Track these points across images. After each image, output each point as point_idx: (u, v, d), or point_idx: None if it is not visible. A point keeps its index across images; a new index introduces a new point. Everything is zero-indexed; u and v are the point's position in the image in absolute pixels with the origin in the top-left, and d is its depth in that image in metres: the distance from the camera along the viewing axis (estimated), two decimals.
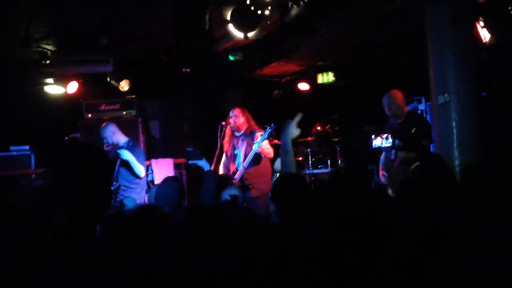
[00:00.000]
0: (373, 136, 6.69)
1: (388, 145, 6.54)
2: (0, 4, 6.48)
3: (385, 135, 6.49)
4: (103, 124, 7.74)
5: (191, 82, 10.09)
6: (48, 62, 8.57)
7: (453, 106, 6.12)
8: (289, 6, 5.75)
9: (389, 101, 6.64)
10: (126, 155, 7.29)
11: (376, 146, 6.71)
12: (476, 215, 3.37)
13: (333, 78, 10.12)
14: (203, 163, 5.59)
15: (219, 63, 9.12)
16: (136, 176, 7.45)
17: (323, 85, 10.20)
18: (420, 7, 6.28)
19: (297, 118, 4.48)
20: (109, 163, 2.39)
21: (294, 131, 4.46)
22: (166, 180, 5.35)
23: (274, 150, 7.58)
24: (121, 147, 7.46)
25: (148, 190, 8.35)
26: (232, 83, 10.73)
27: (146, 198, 7.45)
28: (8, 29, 7.42)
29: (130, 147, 7.50)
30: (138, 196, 7.39)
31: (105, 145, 7.54)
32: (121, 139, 7.59)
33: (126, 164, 7.37)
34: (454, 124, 6.12)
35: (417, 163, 4.61)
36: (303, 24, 5.92)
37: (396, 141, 6.37)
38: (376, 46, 8.45)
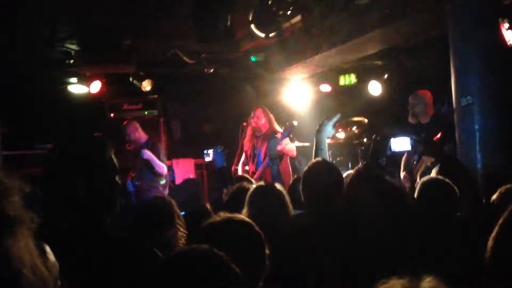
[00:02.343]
0: (391, 140, 6.65)
1: (407, 149, 6.49)
2: (25, 3, 6.54)
3: (402, 139, 6.44)
4: (126, 121, 7.86)
5: (213, 82, 10.12)
6: (72, 61, 8.65)
7: (476, 108, 6.07)
8: (311, 6, 5.74)
9: (414, 100, 6.59)
10: (147, 154, 7.37)
11: (394, 150, 6.67)
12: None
13: (355, 80, 10.08)
14: (217, 157, 5.57)
15: (241, 63, 9.14)
16: (158, 174, 7.51)
17: (345, 87, 10.17)
18: (443, 9, 6.23)
19: (335, 118, 4.50)
20: (112, 164, 2.33)
21: (330, 130, 4.49)
22: (185, 181, 5.39)
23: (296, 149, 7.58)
24: (142, 145, 7.55)
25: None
26: (254, 83, 10.74)
27: None
28: (33, 28, 7.49)
29: (150, 145, 7.59)
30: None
31: (127, 144, 7.64)
32: (142, 137, 7.70)
33: (148, 164, 7.44)
34: (476, 127, 6.06)
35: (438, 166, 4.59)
36: (324, 25, 5.90)
37: (417, 146, 6.36)
38: (399, 49, 8.39)
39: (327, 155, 4.52)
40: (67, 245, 1.92)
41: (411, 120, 6.70)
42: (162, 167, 7.55)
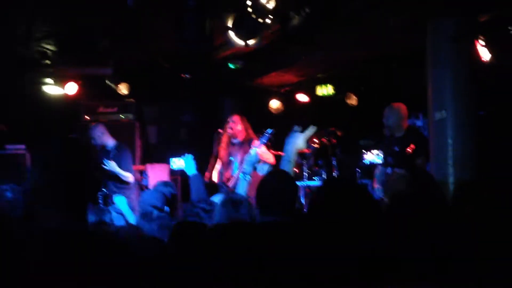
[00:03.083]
0: (364, 151, 6.69)
1: (380, 161, 6.52)
2: (2, 1, 6.47)
3: (376, 151, 6.49)
4: (93, 124, 7.82)
5: (190, 88, 10.10)
6: (48, 62, 8.56)
7: (450, 123, 6.15)
8: (291, 15, 5.75)
9: (389, 113, 6.63)
10: (110, 165, 7.37)
11: (368, 162, 6.71)
12: (466, 234, 3.38)
13: (333, 91, 10.14)
14: (187, 164, 5.51)
15: (218, 70, 9.13)
16: (125, 182, 7.48)
17: (322, 97, 10.22)
18: (421, 23, 6.31)
19: (308, 132, 4.41)
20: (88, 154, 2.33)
21: (301, 143, 4.40)
22: (156, 184, 5.33)
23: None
24: (108, 150, 7.51)
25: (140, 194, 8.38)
26: (231, 91, 10.74)
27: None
28: (9, 26, 7.41)
29: (117, 151, 7.56)
30: (128, 199, 7.42)
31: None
32: (109, 141, 7.65)
33: (112, 173, 7.42)
34: (450, 141, 6.14)
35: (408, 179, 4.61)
36: (304, 35, 5.91)
37: (389, 158, 6.41)
38: (377, 61, 8.46)
39: (293, 168, 4.46)
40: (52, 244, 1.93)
41: (385, 132, 6.74)
42: (126, 176, 7.52)
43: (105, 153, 7.55)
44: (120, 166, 7.47)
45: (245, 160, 7.32)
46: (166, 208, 4.69)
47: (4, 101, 9.27)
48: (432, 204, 3.95)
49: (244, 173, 7.19)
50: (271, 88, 10.57)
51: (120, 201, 5.56)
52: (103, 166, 7.30)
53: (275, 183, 3.61)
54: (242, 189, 6.81)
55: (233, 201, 3.79)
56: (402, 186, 4.51)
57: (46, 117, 9.65)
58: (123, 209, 5.48)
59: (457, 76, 6.16)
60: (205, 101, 10.96)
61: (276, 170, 3.96)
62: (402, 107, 6.67)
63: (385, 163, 6.52)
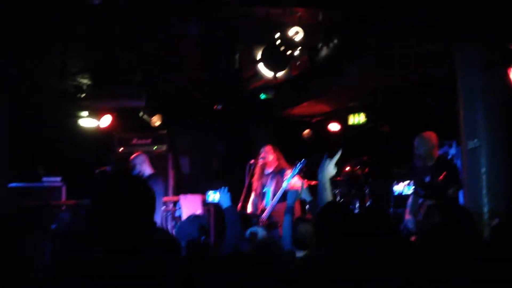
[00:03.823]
0: (395, 182, 6.61)
1: (410, 192, 6.44)
2: (38, 38, 6.64)
3: (407, 182, 6.41)
4: (136, 154, 7.92)
5: (222, 118, 10.17)
6: (83, 95, 8.72)
7: (483, 152, 6.05)
8: (319, 47, 5.79)
9: (419, 142, 6.55)
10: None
11: (398, 193, 6.63)
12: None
13: (365, 119, 10.10)
14: (222, 197, 5.54)
15: (250, 100, 9.18)
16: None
17: (353, 125, 10.19)
18: (450, 50, 6.26)
19: (336, 157, 4.45)
20: (151, 195, 2.32)
21: (331, 169, 4.43)
22: (189, 217, 5.36)
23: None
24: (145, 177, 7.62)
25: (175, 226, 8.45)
26: (263, 121, 10.78)
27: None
28: (45, 62, 7.60)
29: (150, 180, 7.65)
30: None
31: None
32: (147, 170, 7.74)
33: None
34: (483, 170, 6.04)
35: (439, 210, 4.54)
36: (333, 66, 5.94)
37: (419, 189, 6.32)
38: (407, 88, 8.42)
39: (330, 194, 4.47)
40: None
41: (416, 162, 6.66)
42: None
43: None
44: None
45: (288, 196, 7.32)
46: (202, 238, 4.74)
47: (41, 133, 9.47)
48: (465, 239, 3.90)
49: (288, 208, 7.19)
50: (303, 118, 10.59)
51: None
52: None
53: (333, 213, 3.66)
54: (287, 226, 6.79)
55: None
56: (433, 218, 4.44)
57: (81, 149, 9.80)
58: None
59: (489, 104, 6.07)
60: (237, 131, 11.01)
61: (333, 201, 4.04)
62: (432, 136, 6.58)
63: (416, 194, 6.43)
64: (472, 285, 3.13)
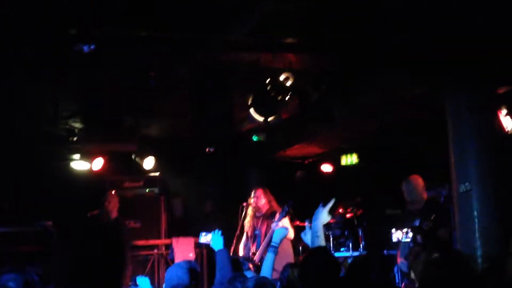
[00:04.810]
0: (393, 230, 6.59)
1: (408, 240, 6.43)
2: (30, 83, 6.67)
3: (405, 230, 6.40)
4: (109, 192, 8.05)
5: (215, 161, 10.16)
6: (75, 138, 8.72)
7: (475, 195, 6.03)
8: (309, 91, 5.82)
9: (409, 187, 6.59)
10: None
11: (397, 240, 6.60)
12: None
13: (357, 160, 10.10)
14: (215, 239, 5.47)
15: (242, 143, 9.20)
16: None
17: (346, 167, 10.18)
18: (439, 95, 6.30)
19: (329, 204, 4.45)
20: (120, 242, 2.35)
21: (325, 216, 4.42)
22: (179, 262, 5.31)
23: (295, 230, 7.48)
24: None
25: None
26: (255, 163, 10.78)
27: None
28: (37, 107, 7.62)
29: (115, 223, 7.79)
30: None
31: None
32: (113, 213, 7.88)
33: None
34: (475, 213, 6.00)
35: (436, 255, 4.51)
36: (322, 109, 5.96)
37: (418, 237, 6.30)
38: (398, 131, 8.45)
39: (323, 241, 4.44)
40: None
41: (408, 206, 6.68)
42: None
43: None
44: None
45: (274, 234, 7.28)
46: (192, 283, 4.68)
47: (33, 177, 9.43)
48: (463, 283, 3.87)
49: (272, 246, 7.14)
50: (296, 159, 10.59)
51: (143, 281, 5.53)
52: None
53: (319, 260, 3.65)
54: (268, 264, 6.71)
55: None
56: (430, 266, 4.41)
57: (73, 193, 9.74)
58: None
59: (479, 148, 6.07)
60: (229, 173, 10.99)
61: (318, 247, 4.03)
62: (419, 179, 6.64)
63: (414, 243, 6.41)
64: None
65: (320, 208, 4.49)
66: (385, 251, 7.92)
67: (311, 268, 3.70)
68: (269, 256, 5.13)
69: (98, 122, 8.38)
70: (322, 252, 3.98)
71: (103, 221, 7.88)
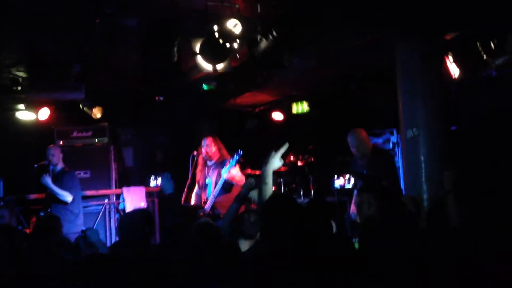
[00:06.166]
0: (335, 177, 6.68)
1: (350, 186, 6.53)
2: None
3: (347, 176, 6.49)
4: (51, 146, 8.15)
5: (164, 110, 10.06)
6: (19, 88, 8.47)
7: (422, 140, 6.15)
8: (258, 39, 5.74)
9: (357, 142, 6.64)
10: (44, 180, 7.66)
11: (339, 186, 6.70)
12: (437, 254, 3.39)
13: (308, 108, 10.14)
14: (165, 183, 5.40)
15: (192, 92, 9.10)
16: (64, 202, 7.72)
17: (297, 115, 10.22)
18: (390, 42, 6.33)
19: (282, 149, 4.39)
20: None
21: (277, 162, 4.36)
22: (133, 211, 5.28)
23: (246, 178, 7.51)
24: (55, 172, 7.87)
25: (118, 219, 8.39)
26: (205, 112, 10.72)
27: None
28: None
29: (61, 173, 7.69)
30: (71, 224, 7.62)
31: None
32: (59, 164, 7.99)
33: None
34: (422, 158, 6.14)
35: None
36: (273, 58, 5.90)
37: (359, 183, 6.40)
38: (350, 79, 8.48)
39: (270, 189, 4.42)
40: None
41: (355, 158, 6.76)
42: (63, 195, 7.71)
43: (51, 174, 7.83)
44: (61, 187, 7.74)
45: (216, 185, 7.32)
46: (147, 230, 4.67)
47: None
48: (401, 226, 3.97)
49: (214, 196, 7.22)
50: (246, 108, 10.57)
51: (92, 233, 5.49)
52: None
53: (279, 204, 3.63)
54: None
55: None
56: (370, 211, 4.51)
57: (20, 143, 9.56)
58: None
59: (427, 94, 6.17)
60: (180, 123, 10.91)
61: (279, 192, 4.04)
62: (362, 132, 6.70)
63: (356, 187, 6.52)
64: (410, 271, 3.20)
65: (271, 153, 4.41)
66: (335, 199, 8.06)
67: (272, 213, 3.65)
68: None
69: (43, 71, 8.16)
70: (282, 197, 3.96)
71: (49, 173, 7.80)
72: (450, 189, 4.29)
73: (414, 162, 6.22)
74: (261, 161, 4.44)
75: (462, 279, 2.99)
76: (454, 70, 6.54)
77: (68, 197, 7.74)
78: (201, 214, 7.22)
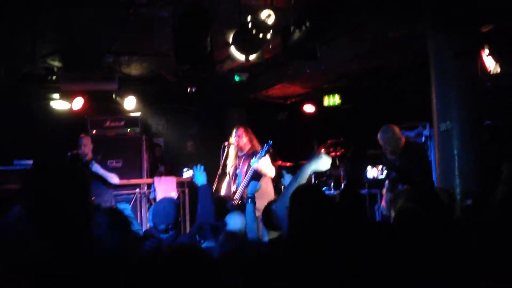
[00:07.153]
0: (369, 167, 6.59)
1: (383, 177, 6.45)
2: (7, 21, 6.51)
3: (380, 167, 6.40)
4: (82, 135, 8.21)
5: (196, 101, 10.10)
6: (54, 78, 8.60)
7: (455, 133, 6.07)
8: (291, 30, 5.72)
9: (383, 137, 6.56)
10: (94, 167, 7.79)
11: (371, 177, 6.63)
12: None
13: (339, 101, 10.09)
14: (197, 175, 5.41)
15: (224, 83, 9.13)
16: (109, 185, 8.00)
17: (329, 107, 10.18)
18: (422, 36, 6.24)
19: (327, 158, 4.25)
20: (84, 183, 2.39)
21: (323, 166, 4.25)
22: (162, 200, 5.32)
23: (277, 170, 7.50)
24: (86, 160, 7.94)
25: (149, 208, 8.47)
26: (237, 103, 10.74)
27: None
28: (15, 45, 7.46)
29: (92, 165, 7.92)
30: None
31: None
32: (89, 154, 8.05)
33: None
34: (455, 151, 6.06)
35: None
36: (305, 49, 5.88)
37: (391, 174, 6.34)
38: (381, 73, 8.41)
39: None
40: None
41: (389, 155, 6.68)
42: (111, 177, 7.98)
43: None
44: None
45: (249, 187, 7.30)
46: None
47: (12, 116, 9.34)
48: (435, 218, 3.92)
49: (249, 198, 7.16)
50: (277, 99, 10.56)
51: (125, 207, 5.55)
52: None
53: (306, 195, 3.62)
54: (249, 215, 6.73)
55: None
56: (404, 203, 4.46)
57: (54, 132, 9.68)
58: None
59: (461, 87, 6.07)
60: (211, 114, 10.96)
61: (307, 184, 3.97)
62: (395, 128, 6.61)
63: (389, 178, 6.46)
64: (442, 264, 3.17)
65: (321, 154, 4.30)
66: (365, 190, 8.02)
67: (299, 204, 3.63)
68: (248, 208, 5.12)
69: (78, 61, 8.26)
70: (310, 188, 3.94)
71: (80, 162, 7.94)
72: (504, 181, 4.22)
73: (447, 156, 6.14)
74: (292, 153, 4.42)
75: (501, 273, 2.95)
76: (490, 64, 6.44)
77: (115, 178, 7.97)
78: (233, 203, 7.24)
